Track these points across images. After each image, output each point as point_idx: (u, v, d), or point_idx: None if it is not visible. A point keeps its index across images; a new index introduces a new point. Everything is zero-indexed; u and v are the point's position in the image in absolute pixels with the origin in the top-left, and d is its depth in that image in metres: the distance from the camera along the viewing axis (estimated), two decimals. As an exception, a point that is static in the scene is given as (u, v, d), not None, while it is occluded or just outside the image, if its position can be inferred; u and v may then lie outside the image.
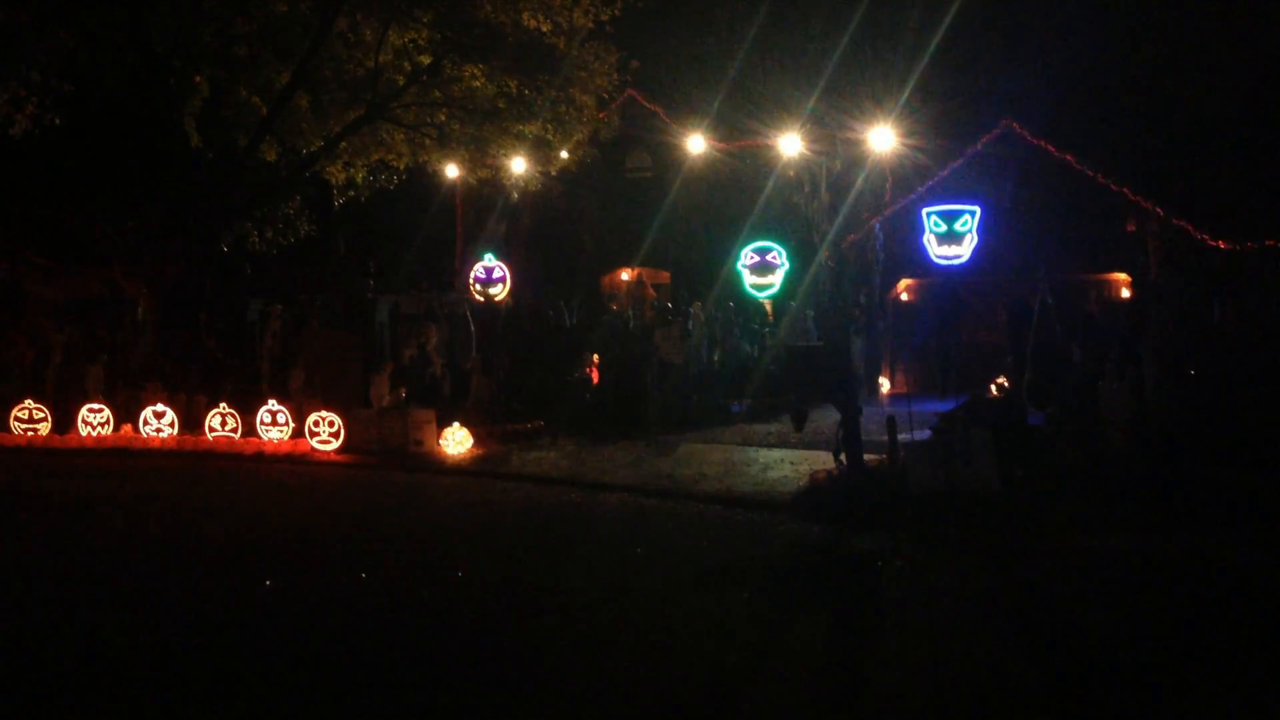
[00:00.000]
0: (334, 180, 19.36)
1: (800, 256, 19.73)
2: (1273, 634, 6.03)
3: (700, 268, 21.63)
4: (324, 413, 14.05)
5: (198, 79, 17.33)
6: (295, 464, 13.50)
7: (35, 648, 5.98)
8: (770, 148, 22.81)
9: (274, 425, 14.25)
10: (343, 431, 13.92)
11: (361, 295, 16.05)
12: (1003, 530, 8.53)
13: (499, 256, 18.89)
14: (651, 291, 21.61)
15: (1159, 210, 18.70)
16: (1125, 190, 19.07)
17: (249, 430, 14.48)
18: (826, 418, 13.72)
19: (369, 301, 15.99)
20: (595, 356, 16.54)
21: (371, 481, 12.28)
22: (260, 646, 5.96)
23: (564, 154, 18.62)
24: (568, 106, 17.43)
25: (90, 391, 15.45)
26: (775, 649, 5.81)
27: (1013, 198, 19.19)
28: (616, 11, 17.09)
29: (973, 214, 18.90)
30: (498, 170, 18.84)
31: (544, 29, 16.59)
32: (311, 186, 20.40)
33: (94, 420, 14.99)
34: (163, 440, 14.73)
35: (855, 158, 21.31)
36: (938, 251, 19.02)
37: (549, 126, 17.63)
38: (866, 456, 10.90)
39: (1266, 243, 16.93)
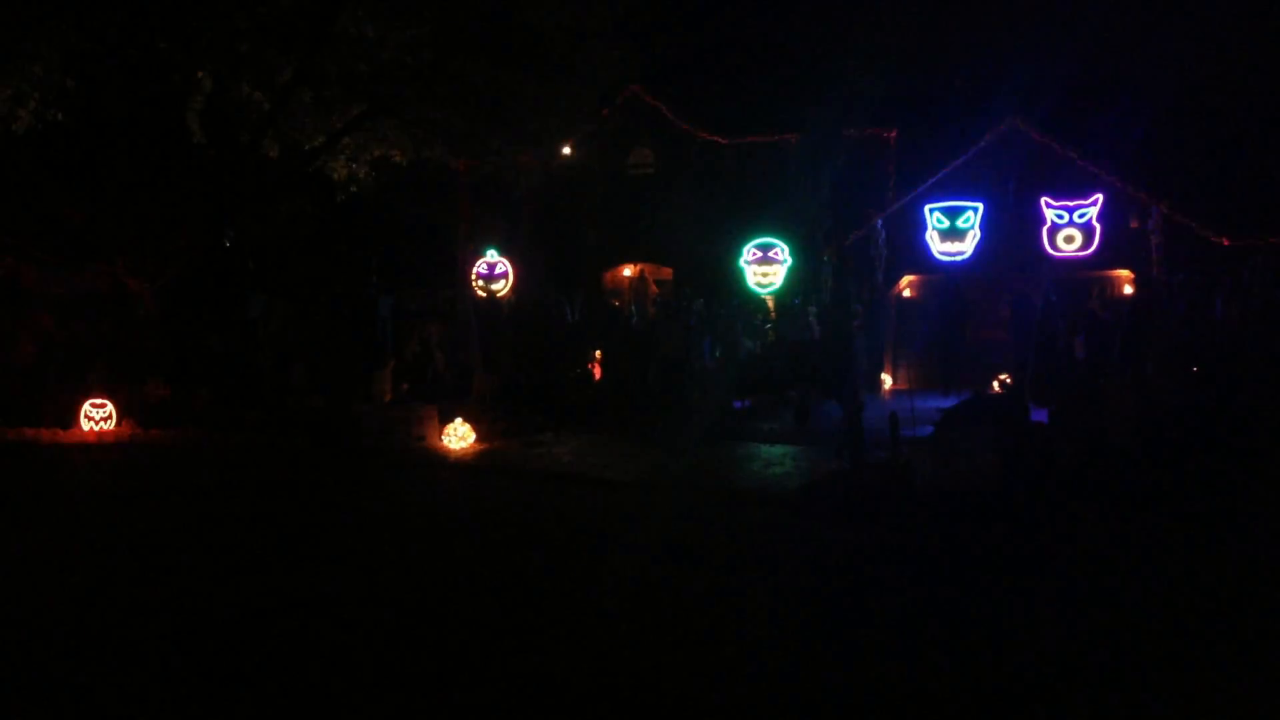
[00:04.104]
0: (336, 176, 19.36)
1: (803, 252, 19.78)
2: (1275, 633, 6.03)
3: (703, 264, 21.62)
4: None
5: (200, 75, 17.33)
6: (298, 459, 13.50)
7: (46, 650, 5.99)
8: (774, 143, 22.84)
9: (279, 421, 14.27)
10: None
11: (364, 291, 16.06)
12: (1005, 527, 8.53)
13: (501, 252, 18.93)
14: (654, 287, 21.63)
15: (1162, 206, 18.69)
16: (1128, 186, 19.04)
17: (251, 425, 14.50)
18: (829, 414, 13.74)
19: (371, 297, 16.00)
20: (598, 352, 16.54)
21: (373, 477, 12.29)
22: (267, 644, 5.97)
23: (566, 149, 18.61)
24: (570, 101, 17.42)
25: (92, 387, 15.47)
26: (775, 645, 5.81)
27: (1015, 194, 19.18)
28: (620, 6, 17.07)
29: (975, 211, 19.00)
30: (500, 166, 18.83)
31: (546, 24, 16.58)
32: (314, 182, 20.40)
33: (96, 415, 15.01)
34: (165, 435, 14.74)
35: (858, 154, 21.32)
36: (940, 248, 19.12)
37: (552, 122, 17.62)
38: (869, 453, 10.90)
39: (1270, 239, 16.92)
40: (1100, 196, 18.35)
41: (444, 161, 19.02)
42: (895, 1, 22.25)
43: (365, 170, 19.35)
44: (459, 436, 13.67)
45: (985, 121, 20.04)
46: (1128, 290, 19.28)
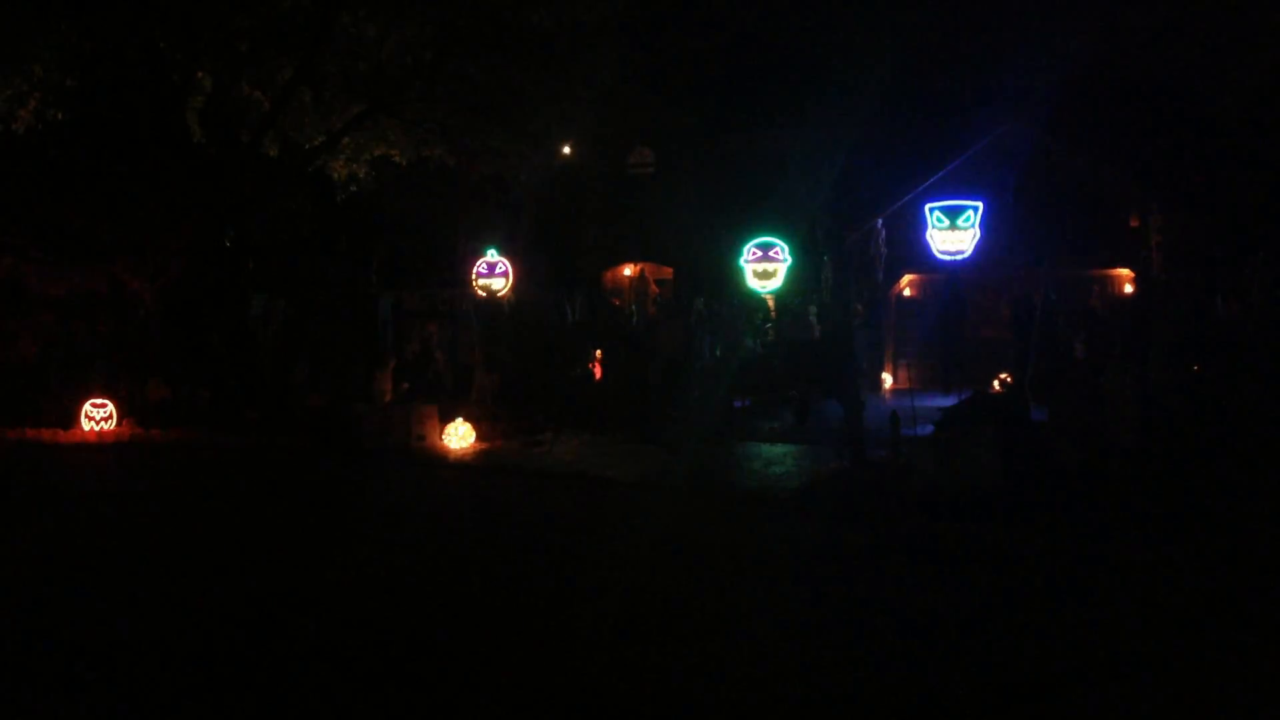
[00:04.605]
0: (336, 175, 19.36)
1: (803, 252, 19.77)
2: (1275, 633, 6.03)
3: (703, 263, 21.61)
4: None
5: (200, 74, 17.32)
6: (299, 458, 13.50)
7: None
8: (773, 142, 22.80)
9: (279, 420, 14.27)
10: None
11: (364, 290, 16.06)
12: (1005, 526, 8.53)
13: (501, 251, 18.90)
14: (654, 287, 21.64)
15: (1162, 205, 18.67)
16: (1129, 185, 19.03)
17: (252, 425, 14.50)
18: (829, 413, 13.74)
19: (371, 296, 16.00)
20: (598, 352, 16.55)
21: (374, 477, 12.29)
22: (266, 642, 5.97)
23: (566, 148, 18.60)
24: (570, 100, 17.42)
25: (93, 387, 15.47)
26: (776, 644, 5.82)
27: (1015, 193, 19.17)
28: (621, 4, 17.06)
29: (975, 209, 18.92)
30: (500, 164, 18.82)
31: (547, 23, 16.58)
32: (314, 182, 20.40)
33: (97, 415, 15.01)
34: (165, 435, 14.74)
35: (858, 153, 21.29)
36: (940, 247, 19.05)
37: (552, 120, 17.61)
38: (869, 452, 10.89)
39: (1272, 238, 16.90)
40: (1101, 195, 18.35)
41: (444, 161, 19.01)
42: (896, 1, 22.23)
43: (365, 170, 19.35)
44: (459, 436, 13.67)
45: (986, 120, 20.03)
46: (1128, 289, 19.28)
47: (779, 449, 12.92)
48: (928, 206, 19.08)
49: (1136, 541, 7.96)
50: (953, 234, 18.88)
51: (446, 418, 13.90)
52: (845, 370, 11.49)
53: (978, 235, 18.88)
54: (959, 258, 18.94)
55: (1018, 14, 22.61)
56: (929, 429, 11.42)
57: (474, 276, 18.24)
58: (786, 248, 19.61)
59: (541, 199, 23.26)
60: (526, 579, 7.31)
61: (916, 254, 19.55)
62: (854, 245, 20.09)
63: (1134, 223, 19.18)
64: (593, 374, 16.33)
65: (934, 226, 18.99)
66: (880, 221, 20.00)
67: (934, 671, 5.33)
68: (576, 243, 24.53)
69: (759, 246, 19.67)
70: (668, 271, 23.93)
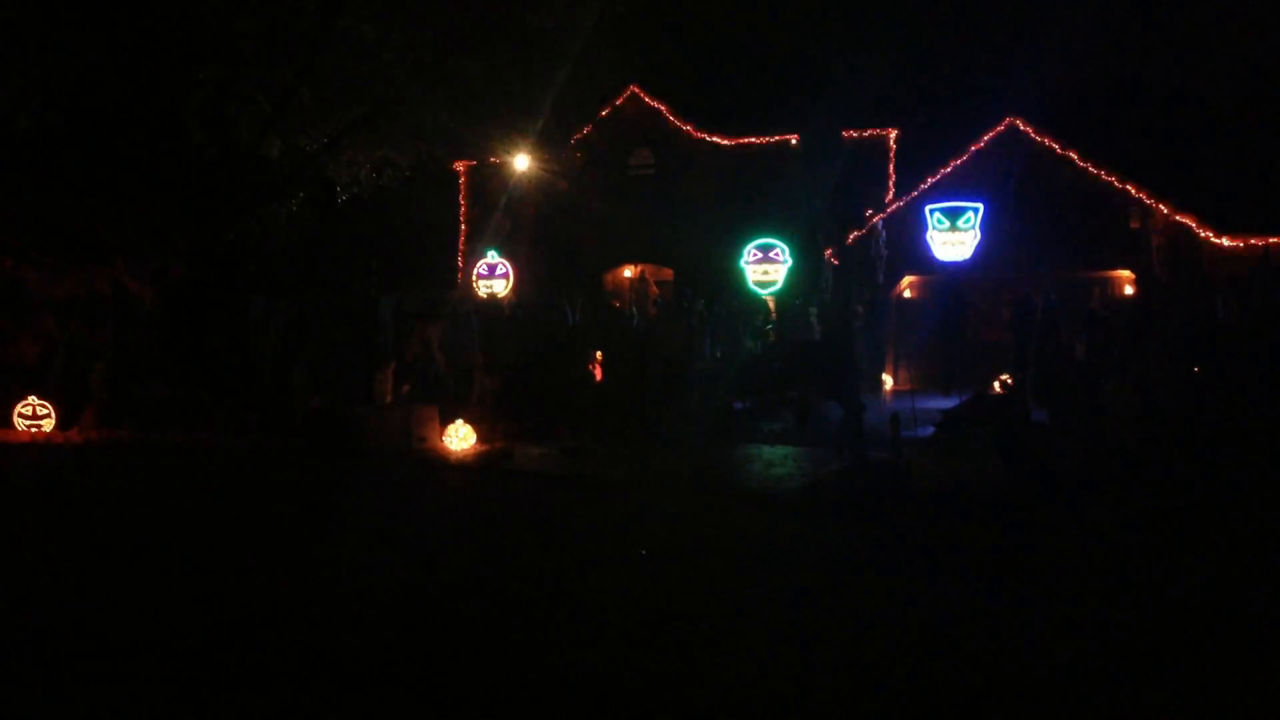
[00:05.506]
0: (337, 178, 19.37)
1: (803, 253, 19.78)
2: (1276, 633, 6.03)
3: (703, 264, 21.63)
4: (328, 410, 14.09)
5: (200, 76, 17.33)
6: (299, 460, 13.50)
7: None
8: (774, 143, 22.82)
9: (279, 422, 14.27)
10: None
11: (364, 292, 16.07)
12: (1006, 528, 8.53)
13: (502, 253, 18.94)
14: (654, 288, 21.62)
15: (1162, 207, 18.69)
16: (1129, 187, 19.04)
17: (250, 427, 14.49)
18: (830, 414, 13.74)
19: (372, 298, 16.01)
20: (598, 353, 16.54)
21: (374, 479, 12.29)
22: (267, 644, 5.97)
23: (567, 150, 18.64)
24: (571, 102, 17.44)
25: (94, 389, 15.47)
26: (777, 645, 5.82)
27: (1015, 195, 19.18)
28: (621, 7, 17.09)
29: (975, 211, 18.98)
30: (500, 166, 18.85)
31: (547, 24, 16.60)
32: (314, 184, 20.42)
33: (96, 417, 15.00)
34: (165, 437, 14.74)
35: (858, 154, 21.32)
36: (941, 248, 19.11)
37: (552, 122, 17.63)
38: (870, 453, 10.90)
39: (1271, 239, 16.93)
40: (1101, 197, 18.37)
41: (444, 162, 19.02)
42: (895, 2, 22.27)
43: (366, 171, 19.38)
44: (460, 438, 13.67)
45: (985, 122, 20.06)
46: (1128, 290, 19.30)
47: (779, 450, 12.92)
48: (928, 208, 19.15)
49: (1137, 542, 7.97)
50: (953, 235, 18.93)
51: (447, 419, 13.90)
52: (846, 372, 11.50)
53: (978, 237, 18.93)
54: (959, 259, 18.99)
55: (1018, 14, 22.63)
56: (929, 430, 11.44)
57: (475, 278, 18.27)
58: (787, 249, 19.63)
59: (542, 200, 23.28)
60: (527, 579, 7.31)
61: (917, 255, 19.62)
62: (854, 246, 20.11)
63: (1134, 224, 19.18)
64: (593, 375, 16.33)
65: (934, 228, 19.04)
66: (881, 223, 20.02)
67: (935, 672, 5.33)
68: (577, 244, 24.54)
69: (759, 248, 19.70)
70: (668, 273, 23.93)
